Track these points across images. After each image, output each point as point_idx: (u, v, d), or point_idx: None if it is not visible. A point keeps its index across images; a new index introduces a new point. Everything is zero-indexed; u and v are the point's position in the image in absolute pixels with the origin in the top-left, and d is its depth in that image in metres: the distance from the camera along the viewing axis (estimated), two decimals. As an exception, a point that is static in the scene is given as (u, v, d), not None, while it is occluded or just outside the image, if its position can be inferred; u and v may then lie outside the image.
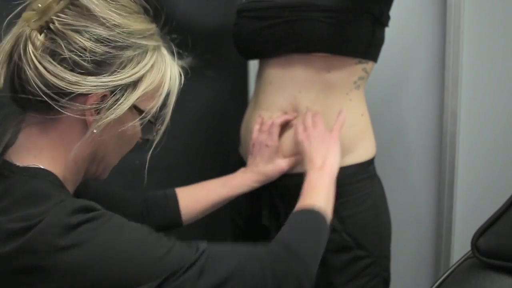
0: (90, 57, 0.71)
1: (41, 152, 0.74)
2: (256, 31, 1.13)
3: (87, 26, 0.71)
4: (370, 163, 1.14)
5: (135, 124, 0.79)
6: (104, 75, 0.72)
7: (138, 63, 0.75)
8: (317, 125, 1.07)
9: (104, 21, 0.72)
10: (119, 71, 0.73)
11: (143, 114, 0.79)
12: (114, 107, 0.73)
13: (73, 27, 0.71)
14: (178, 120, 1.45)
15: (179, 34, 1.41)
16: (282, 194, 1.15)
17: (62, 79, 0.69)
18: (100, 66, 0.72)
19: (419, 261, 1.51)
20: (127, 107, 0.74)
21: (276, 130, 1.11)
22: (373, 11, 1.06)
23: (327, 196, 0.96)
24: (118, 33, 0.73)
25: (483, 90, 1.32)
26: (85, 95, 0.71)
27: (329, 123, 1.09)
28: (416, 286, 1.51)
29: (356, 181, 1.11)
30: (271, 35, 1.10)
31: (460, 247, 1.38)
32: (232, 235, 1.34)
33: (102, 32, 0.72)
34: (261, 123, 1.15)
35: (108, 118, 0.73)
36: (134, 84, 0.75)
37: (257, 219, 1.20)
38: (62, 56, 0.70)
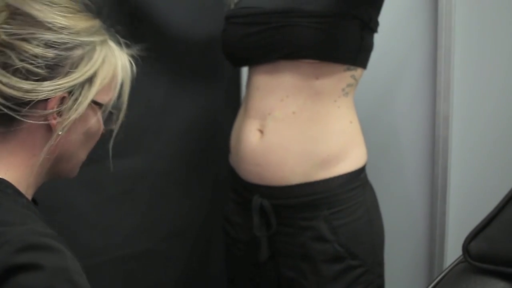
0: (43, 63, 0.72)
1: (1, 162, 0.75)
2: (243, 37, 1.12)
3: (34, 33, 0.72)
4: (361, 171, 1.14)
5: (98, 118, 0.82)
6: (59, 77, 0.74)
7: (90, 60, 0.77)
8: None
9: (50, 25, 0.73)
10: (73, 71, 0.75)
11: (103, 107, 0.81)
12: (75, 106, 0.75)
13: (20, 36, 0.71)
14: (171, 127, 1.46)
15: (171, 43, 1.42)
16: (272, 205, 1.14)
17: (18, 89, 0.71)
18: (53, 70, 0.73)
19: (413, 266, 1.50)
20: (88, 104, 0.77)
21: None
22: (361, 17, 1.06)
23: None
24: (65, 34, 0.74)
25: (475, 95, 1.32)
26: (44, 101, 0.73)
27: (317, 130, 1.09)
28: (410, 291, 1.51)
29: (348, 190, 1.10)
30: (258, 41, 1.10)
31: (454, 251, 1.38)
32: (224, 245, 1.33)
33: (50, 36, 0.73)
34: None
35: (72, 118, 0.75)
36: (90, 81, 0.77)
37: (248, 229, 1.19)
38: (14, 67, 0.71)
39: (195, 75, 1.50)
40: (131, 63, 0.87)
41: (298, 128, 1.09)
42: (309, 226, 1.11)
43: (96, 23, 0.81)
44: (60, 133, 0.75)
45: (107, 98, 0.82)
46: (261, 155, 1.12)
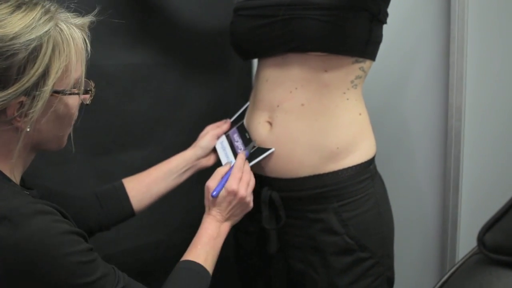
0: None
1: None
2: (252, 29, 1.12)
3: None
4: (370, 162, 1.14)
5: (65, 102, 0.81)
6: (8, 87, 0.73)
7: (37, 57, 0.74)
8: (251, 187, 1.08)
9: None
10: (21, 76, 0.73)
11: (65, 93, 0.80)
12: (34, 104, 0.75)
13: None
14: (182, 118, 1.47)
15: (182, 34, 1.43)
16: (282, 198, 1.14)
17: None
18: (0, 81, 0.73)
19: (425, 258, 1.50)
20: (47, 98, 0.76)
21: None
22: (370, 9, 1.05)
23: (217, 252, 1.02)
24: (1, 46, 0.72)
25: (487, 86, 1.31)
26: (3, 110, 0.74)
27: (326, 122, 1.09)
28: (421, 283, 1.51)
29: (357, 182, 1.10)
30: (267, 34, 1.09)
31: (466, 243, 1.37)
32: (234, 238, 1.33)
33: None
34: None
35: (35, 115, 0.75)
36: (43, 76, 0.75)
37: (257, 222, 1.19)
38: None
39: (205, 67, 1.50)
40: (84, 40, 0.84)
41: (307, 120, 1.09)
42: (319, 218, 1.10)
43: (35, 14, 0.77)
44: (28, 130, 0.77)
45: (68, 82, 0.80)
46: (270, 147, 1.12)
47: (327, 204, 1.10)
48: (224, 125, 1.26)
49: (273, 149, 1.11)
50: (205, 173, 1.16)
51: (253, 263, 1.29)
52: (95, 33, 1.26)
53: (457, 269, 0.81)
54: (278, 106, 1.11)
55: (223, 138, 1.24)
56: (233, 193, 1.04)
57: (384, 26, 1.13)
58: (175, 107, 1.46)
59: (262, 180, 1.16)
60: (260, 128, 1.14)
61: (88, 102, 0.88)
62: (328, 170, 1.09)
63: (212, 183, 1.06)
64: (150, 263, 1.44)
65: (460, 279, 0.77)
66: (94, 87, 0.88)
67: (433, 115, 1.42)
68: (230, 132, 1.23)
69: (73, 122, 0.87)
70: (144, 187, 1.14)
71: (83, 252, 0.75)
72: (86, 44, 0.84)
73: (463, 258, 0.83)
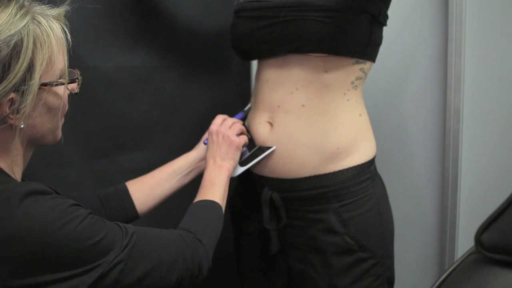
0: None
1: None
2: (252, 31, 1.13)
3: None
4: (370, 163, 1.14)
5: (55, 93, 0.82)
6: None
7: (20, 52, 0.75)
8: (233, 129, 1.16)
9: None
10: (7, 73, 0.74)
11: (53, 84, 0.80)
12: (24, 99, 0.76)
13: None
14: (181, 120, 1.47)
15: (182, 36, 1.43)
16: (282, 198, 1.14)
17: None
18: None
19: (424, 258, 1.50)
20: (36, 91, 0.77)
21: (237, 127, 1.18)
22: (370, 11, 1.05)
23: (224, 193, 1.08)
24: None
25: (486, 87, 1.32)
26: None
27: (326, 123, 1.09)
28: (421, 283, 1.51)
29: (357, 183, 1.10)
30: (267, 35, 1.10)
31: (464, 243, 1.38)
32: (234, 238, 1.34)
33: None
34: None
35: (27, 110, 0.76)
36: (29, 70, 0.76)
37: (258, 222, 1.19)
38: None
39: (204, 69, 1.50)
40: (63, 30, 0.83)
41: (307, 121, 1.09)
42: (319, 218, 1.11)
43: (11, 10, 0.77)
44: (22, 126, 0.78)
45: (54, 73, 0.81)
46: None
47: (327, 204, 1.10)
48: (226, 121, 1.26)
49: (274, 147, 1.12)
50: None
51: (254, 264, 1.30)
52: (95, 35, 1.28)
53: (455, 268, 0.81)
54: (278, 106, 1.11)
55: None
56: (215, 133, 1.14)
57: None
58: (174, 109, 1.46)
59: (263, 181, 1.16)
60: (261, 128, 1.15)
61: (76, 91, 0.89)
62: (328, 170, 1.09)
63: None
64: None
65: (458, 279, 0.78)
66: (80, 75, 0.88)
67: (432, 117, 1.43)
68: None
69: (64, 113, 0.88)
70: (148, 188, 1.14)
71: (81, 217, 0.76)
72: (66, 33, 0.84)
73: (461, 257, 0.83)
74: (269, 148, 1.12)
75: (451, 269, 0.82)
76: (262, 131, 1.14)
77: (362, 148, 1.12)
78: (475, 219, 0.87)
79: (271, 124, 1.13)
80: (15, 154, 0.81)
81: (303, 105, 1.09)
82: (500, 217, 0.76)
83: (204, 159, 1.19)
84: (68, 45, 0.84)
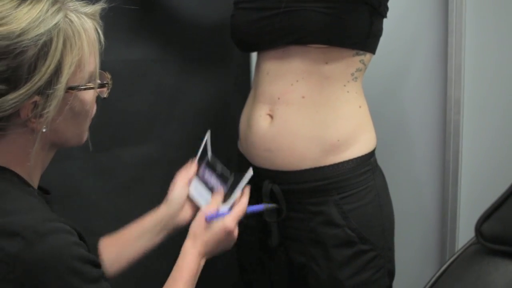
0: None
1: (2, 158, 0.74)
2: (252, 22, 1.12)
3: None
4: (371, 155, 1.14)
5: (81, 98, 0.77)
6: (19, 87, 0.68)
7: (47, 53, 0.70)
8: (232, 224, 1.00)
9: None
10: (32, 75, 0.69)
11: (80, 88, 0.76)
12: (48, 104, 0.70)
13: None
14: (181, 114, 1.47)
15: (181, 29, 1.42)
16: (283, 190, 1.14)
17: None
18: (10, 81, 0.68)
19: (425, 249, 1.50)
20: (62, 95, 0.72)
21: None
22: (371, 2, 1.05)
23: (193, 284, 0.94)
24: (8, 41, 0.67)
25: (486, 78, 1.31)
26: (16, 112, 0.70)
27: (326, 115, 1.09)
28: (421, 275, 1.51)
29: (358, 175, 1.10)
30: (267, 26, 1.09)
31: (465, 235, 1.38)
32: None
33: None
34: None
35: (50, 115, 0.71)
36: (56, 73, 0.71)
37: (258, 215, 1.19)
38: None
39: (204, 62, 1.50)
40: (96, 30, 0.78)
41: (308, 113, 1.09)
42: (320, 211, 1.11)
43: (43, 6, 0.71)
44: (44, 130, 0.72)
45: (83, 76, 0.76)
46: (271, 140, 1.12)
47: (328, 196, 1.10)
48: (191, 167, 1.13)
49: (251, 173, 1.04)
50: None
51: (254, 257, 1.30)
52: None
53: (455, 259, 0.82)
54: (279, 98, 1.11)
55: (195, 181, 1.12)
56: (229, 232, 0.97)
57: (382, 18, 1.13)
58: (174, 103, 1.45)
59: (263, 173, 1.16)
60: (261, 121, 1.14)
61: (105, 96, 0.84)
62: (328, 162, 1.09)
63: (208, 208, 1.01)
64: (149, 259, 1.44)
65: (458, 269, 0.78)
66: (111, 79, 0.84)
67: (432, 108, 1.43)
68: (200, 173, 1.13)
69: (91, 117, 0.84)
70: (115, 249, 1.03)
71: (92, 280, 0.71)
72: (99, 34, 0.78)
73: (461, 248, 0.83)
74: (246, 173, 1.04)
75: (451, 260, 0.82)
76: (263, 123, 1.14)
77: (363, 140, 1.12)
78: (476, 210, 0.87)
79: (271, 116, 1.13)
80: (34, 159, 0.75)
81: (303, 97, 1.09)
82: (500, 207, 0.76)
83: (175, 213, 1.07)
84: (101, 47, 0.80)
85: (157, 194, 1.31)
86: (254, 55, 1.63)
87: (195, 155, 1.16)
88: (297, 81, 1.09)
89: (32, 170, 0.78)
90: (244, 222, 1.27)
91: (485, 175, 1.34)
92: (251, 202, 1.24)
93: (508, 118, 1.30)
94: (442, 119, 1.41)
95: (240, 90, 1.59)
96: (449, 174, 1.38)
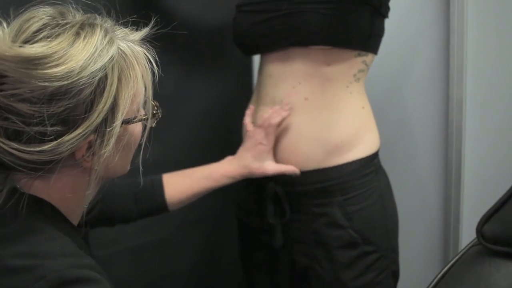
0: (53, 121, 0.63)
1: (45, 192, 0.70)
2: (253, 25, 1.12)
3: (32, 90, 0.62)
4: (374, 156, 1.14)
5: (131, 132, 0.74)
6: (76, 127, 0.64)
7: (103, 90, 0.65)
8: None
9: (46, 79, 0.61)
10: (89, 114, 0.65)
11: (134, 121, 0.73)
12: (104, 141, 0.67)
13: (19, 97, 0.62)
14: (184, 116, 1.47)
15: (184, 31, 1.42)
16: (287, 192, 1.14)
17: (39, 153, 0.63)
18: (67, 122, 0.64)
19: (427, 251, 1.50)
20: (117, 132, 0.68)
21: (273, 131, 1.10)
22: (372, 2, 1.05)
23: None
24: (66, 84, 0.62)
25: (488, 78, 1.31)
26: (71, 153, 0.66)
27: (329, 116, 1.09)
28: (425, 275, 1.50)
29: (361, 176, 1.10)
30: (269, 28, 1.10)
31: (468, 235, 1.37)
32: (238, 233, 1.34)
33: (49, 89, 0.62)
34: (252, 113, 1.17)
35: (105, 153, 0.67)
36: (112, 109, 0.67)
37: (262, 217, 1.19)
38: (26, 135, 0.63)
39: (206, 64, 1.50)
40: (148, 58, 0.74)
41: (311, 115, 1.09)
42: (323, 212, 1.11)
43: (96, 38, 0.67)
44: (97, 168, 0.68)
45: (134, 108, 0.72)
46: (274, 142, 1.12)
47: (331, 198, 1.10)
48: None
49: None
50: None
51: (258, 258, 1.30)
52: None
53: (457, 260, 0.81)
54: (282, 101, 1.11)
55: None
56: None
57: (384, 19, 1.13)
58: (176, 104, 1.46)
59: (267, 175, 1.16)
60: None
61: (153, 125, 0.79)
62: (332, 164, 1.09)
63: None
64: (153, 261, 1.44)
65: (460, 270, 0.78)
66: (159, 108, 0.79)
67: (434, 108, 1.43)
68: None
69: (135, 149, 0.79)
70: (183, 186, 1.12)
71: None
72: (151, 63, 0.74)
73: (463, 249, 0.83)
74: None
75: (453, 261, 0.82)
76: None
77: (366, 141, 1.12)
78: (479, 210, 0.87)
79: (274, 118, 1.13)
80: (87, 197, 0.72)
81: (306, 99, 1.09)
82: (501, 208, 0.76)
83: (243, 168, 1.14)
84: (154, 77, 0.75)
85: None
86: (256, 58, 1.63)
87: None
88: (299, 83, 1.09)
89: (75, 207, 0.75)
90: (247, 223, 1.27)
91: (488, 175, 1.34)
92: (254, 203, 1.24)
93: (510, 118, 1.29)
94: (444, 119, 1.40)
95: (242, 92, 1.59)
96: (451, 174, 1.38)
